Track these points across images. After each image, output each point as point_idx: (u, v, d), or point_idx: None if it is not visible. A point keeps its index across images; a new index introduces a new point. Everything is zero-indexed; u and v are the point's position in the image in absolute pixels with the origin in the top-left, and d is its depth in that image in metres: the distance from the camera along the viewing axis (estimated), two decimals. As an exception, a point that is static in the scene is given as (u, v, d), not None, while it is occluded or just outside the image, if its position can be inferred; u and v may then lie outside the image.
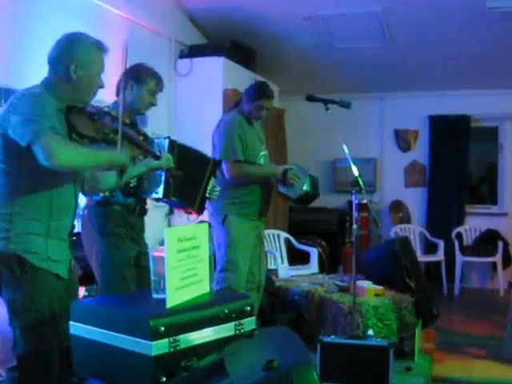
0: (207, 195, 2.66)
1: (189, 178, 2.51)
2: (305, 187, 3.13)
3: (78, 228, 2.42)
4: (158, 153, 2.11)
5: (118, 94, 2.59)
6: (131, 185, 2.34)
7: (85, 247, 2.57)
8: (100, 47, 1.93)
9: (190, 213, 2.71)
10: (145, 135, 2.60)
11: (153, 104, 2.59)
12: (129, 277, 2.46)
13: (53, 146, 1.69)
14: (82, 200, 2.63)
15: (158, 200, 2.55)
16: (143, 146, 2.07)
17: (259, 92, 3.12)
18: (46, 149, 1.69)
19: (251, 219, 3.14)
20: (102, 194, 2.49)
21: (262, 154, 3.19)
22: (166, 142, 2.40)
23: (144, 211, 2.63)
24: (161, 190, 2.41)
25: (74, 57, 1.86)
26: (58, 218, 1.88)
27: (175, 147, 2.44)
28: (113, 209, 2.49)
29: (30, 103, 1.76)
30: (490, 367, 3.60)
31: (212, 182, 2.68)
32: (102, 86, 1.96)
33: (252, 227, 3.15)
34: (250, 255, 3.15)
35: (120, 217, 2.50)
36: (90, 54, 1.89)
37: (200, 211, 2.68)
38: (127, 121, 2.53)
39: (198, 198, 2.62)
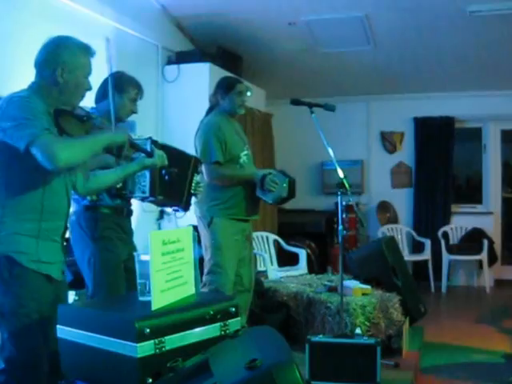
0: (192, 191, 2.67)
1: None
2: (284, 194, 3.12)
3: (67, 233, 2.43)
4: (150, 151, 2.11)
5: (97, 101, 2.59)
6: (117, 186, 2.34)
7: (75, 253, 2.56)
8: (86, 50, 1.92)
9: (177, 210, 2.71)
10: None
11: (133, 111, 2.63)
12: (120, 280, 2.46)
13: (51, 147, 1.68)
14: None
15: (143, 199, 2.53)
16: (135, 144, 2.07)
17: (229, 80, 3.23)
18: (44, 152, 1.68)
19: (238, 220, 3.13)
20: (89, 198, 2.48)
21: (244, 153, 3.18)
22: (148, 143, 2.35)
23: (130, 212, 2.65)
24: (147, 188, 2.39)
25: (60, 60, 1.86)
26: (50, 219, 1.87)
27: (158, 147, 2.40)
28: (101, 212, 2.50)
29: (19, 107, 1.75)
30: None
31: (196, 178, 2.68)
32: (89, 89, 1.95)
33: (239, 229, 3.15)
34: (238, 257, 3.15)
35: (109, 219, 2.51)
36: (76, 57, 1.88)
37: (187, 207, 2.68)
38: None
39: (185, 195, 2.62)
